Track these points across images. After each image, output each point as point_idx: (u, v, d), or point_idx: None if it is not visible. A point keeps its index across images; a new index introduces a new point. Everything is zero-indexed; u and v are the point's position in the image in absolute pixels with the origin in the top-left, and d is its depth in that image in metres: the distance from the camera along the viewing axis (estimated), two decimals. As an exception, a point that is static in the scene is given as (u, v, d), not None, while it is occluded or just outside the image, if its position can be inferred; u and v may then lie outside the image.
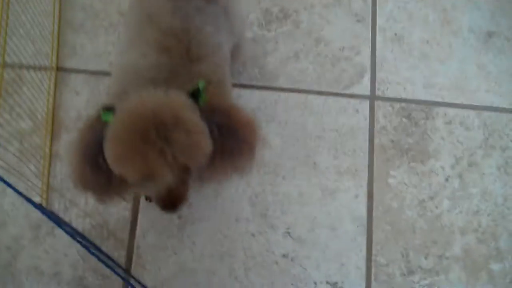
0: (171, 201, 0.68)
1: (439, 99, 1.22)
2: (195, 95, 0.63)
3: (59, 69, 1.23)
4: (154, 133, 0.57)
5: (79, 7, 1.28)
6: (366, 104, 1.21)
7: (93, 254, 0.94)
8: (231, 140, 0.66)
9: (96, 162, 0.63)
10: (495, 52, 1.26)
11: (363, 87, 1.22)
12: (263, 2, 1.28)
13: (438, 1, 1.30)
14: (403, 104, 1.21)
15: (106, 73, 1.21)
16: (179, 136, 0.57)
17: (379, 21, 1.28)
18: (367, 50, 1.25)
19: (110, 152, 0.60)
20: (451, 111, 1.21)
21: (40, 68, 1.20)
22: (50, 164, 1.15)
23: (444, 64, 1.25)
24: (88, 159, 0.64)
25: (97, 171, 0.64)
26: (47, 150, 1.15)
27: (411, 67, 1.24)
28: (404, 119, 1.20)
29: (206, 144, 0.61)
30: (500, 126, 1.20)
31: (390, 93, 1.22)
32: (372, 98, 1.22)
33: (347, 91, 1.22)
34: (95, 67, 1.23)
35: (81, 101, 1.19)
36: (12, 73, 1.17)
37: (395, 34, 1.26)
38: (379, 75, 1.23)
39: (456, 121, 1.20)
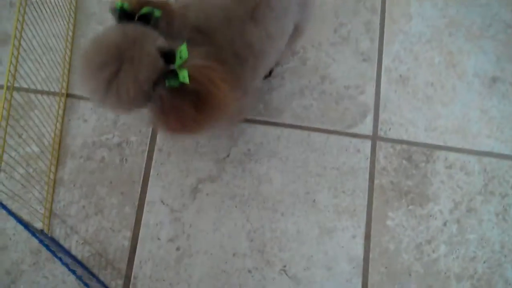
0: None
1: (440, 143, 1.23)
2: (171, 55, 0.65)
3: (68, 95, 1.25)
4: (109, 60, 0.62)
5: (90, 35, 1.31)
6: (368, 144, 1.22)
7: (86, 286, 0.95)
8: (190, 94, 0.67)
9: None
10: (499, 97, 1.27)
11: (366, 127, 1.24)
12: (271, 38, 1.30)
13: (445, 44, 1.31)
14: (404, 146, 1.22)
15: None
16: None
17: (385, 62, 1.29)
18: (371, 90, 1.27)
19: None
20: (452, 156, 1.21)
21: (49, 94, 1.22)
22: (54, 191, 1.17)
23: (447, 107, 1.26)
24: None
25: None
26: (51, 176, 1.17)
27: (415, 109, 1.25)
28: (404, 161, 1.21)
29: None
30: (500, 172, 1.20)
31: (392, 134, 1.23)
32: (374, 138, 1.23)
33: (350, 130, 1.23)
34: (103, 94, 1.25)
35: (88, 129, 1.21)
36: (21, 97, 1.20)
37: (400, 76, 1.28)
38: (382, 115, 1.25)
39: (456, 165, 1.21)
